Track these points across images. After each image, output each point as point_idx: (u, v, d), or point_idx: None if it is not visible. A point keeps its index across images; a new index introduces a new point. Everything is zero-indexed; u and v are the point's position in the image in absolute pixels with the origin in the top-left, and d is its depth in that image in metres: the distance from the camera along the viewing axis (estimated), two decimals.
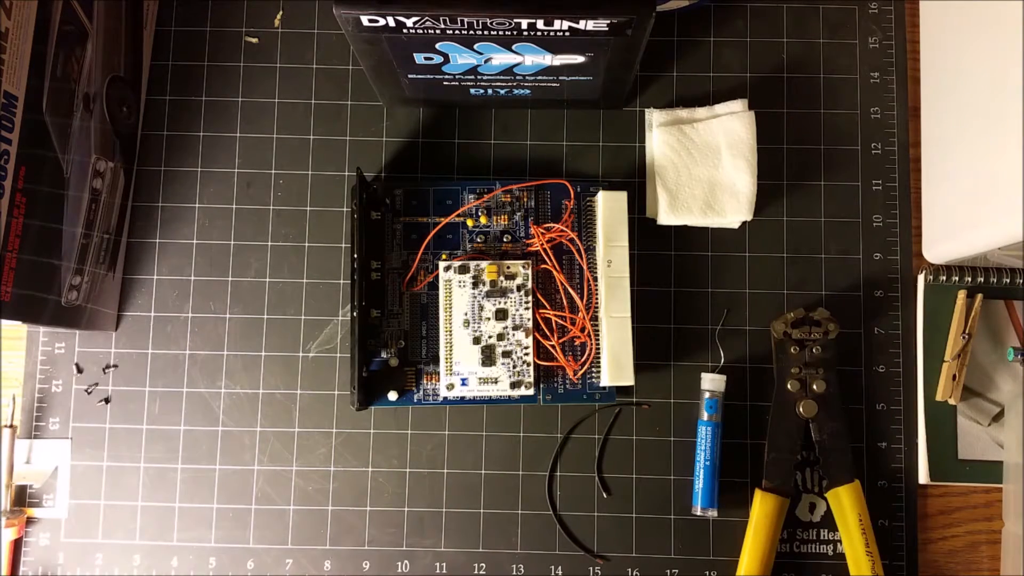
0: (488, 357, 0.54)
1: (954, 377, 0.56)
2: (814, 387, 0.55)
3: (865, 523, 0.53)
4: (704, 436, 0.55)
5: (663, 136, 0.58)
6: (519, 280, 0.55)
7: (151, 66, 0.60)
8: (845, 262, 0.58)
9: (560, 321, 0.56)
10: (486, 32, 0.46)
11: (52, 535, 0.56)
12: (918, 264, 0.59)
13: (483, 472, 0.57)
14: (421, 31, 0.46)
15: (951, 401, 0.56)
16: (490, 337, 0.54)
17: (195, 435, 0.57)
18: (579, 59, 0.50)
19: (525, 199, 0.58)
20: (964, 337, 0.56)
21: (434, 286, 0.56)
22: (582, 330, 0.55)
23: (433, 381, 0.56)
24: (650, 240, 0.59)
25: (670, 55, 0.60)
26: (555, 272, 0.56)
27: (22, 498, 0.57)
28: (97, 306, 0.56)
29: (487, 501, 0.57)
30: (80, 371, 0.58)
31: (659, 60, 0.60)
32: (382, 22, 0.45)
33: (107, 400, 0.58)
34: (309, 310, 0.58)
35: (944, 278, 0.57)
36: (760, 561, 0.53)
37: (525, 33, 0.46)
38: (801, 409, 0.55)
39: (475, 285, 0.55)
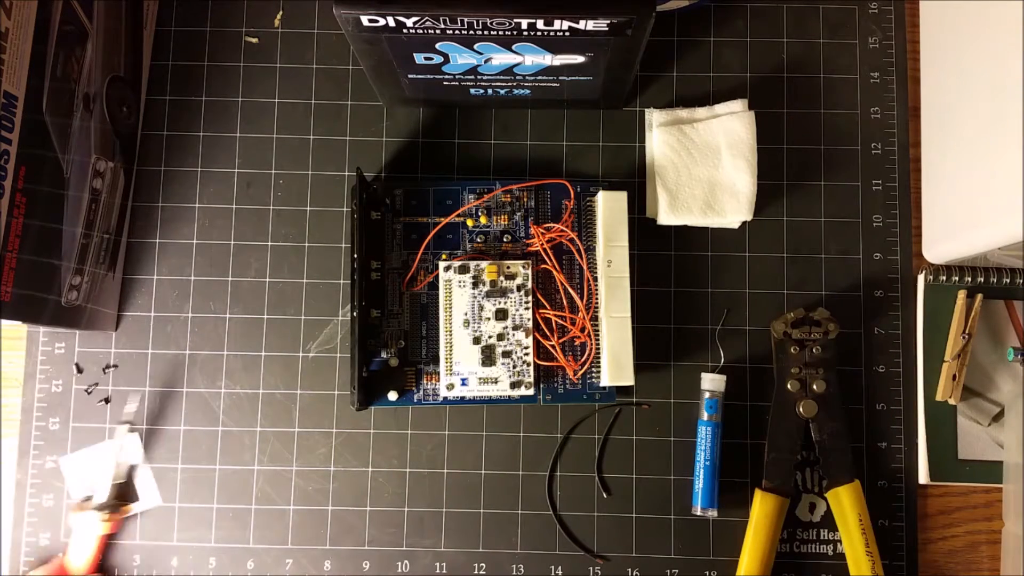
0: (488, 357, 0.54)
1: (954, 377, 0.56)
2: (814, 387, 0.55)
3: (865, 523, 0.53)
4: (704, 436, 0.55)
5: (663, 136, 0.58)
6: (519, 280, 0.55)
7: (151, 66, 0.60)
8: (845, 262, 0.58)
9: (560, 321, 0.56)
10: (486, 32, 0.46)
11: (52, 534, 0.56)
12: (918, 264, 0.59)
13: (483, 472, 0.57)
14: (421, 31, 0.46)
15: (951, 401, 0.56)
16: (490, 337, 0.54)
17: (195, 435, 0.57)
18: (579, 59, 0.50)
19: (525, 199, 0.58)
20: (964, 337, 0.56)
21: (434, 286, 0.56)
22: (582, 330, 0.55)
23: (433, 381, 0.56)
24: (650, 240, 0.59)
25: (670, 55, 0.60)
26: (555, 272, 0.56)
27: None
28: (97, 306, 0.56)
29: (487, 501, 0.57)
30: (80, 371, 0.58)
31: (659, 60, 0.60)
32: (382, 22, 0.45)
33: (107, 400, 0.58)
34: (309, 310, 0.58)
35: (944, 278, 0.57)
36: (760, 561, 0.53)
37: (525, 33, 0.46)
38: (801, 409, 0.55)
39: (475, 285, 0.55)
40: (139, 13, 0.59)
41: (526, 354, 0.55)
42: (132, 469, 0.56)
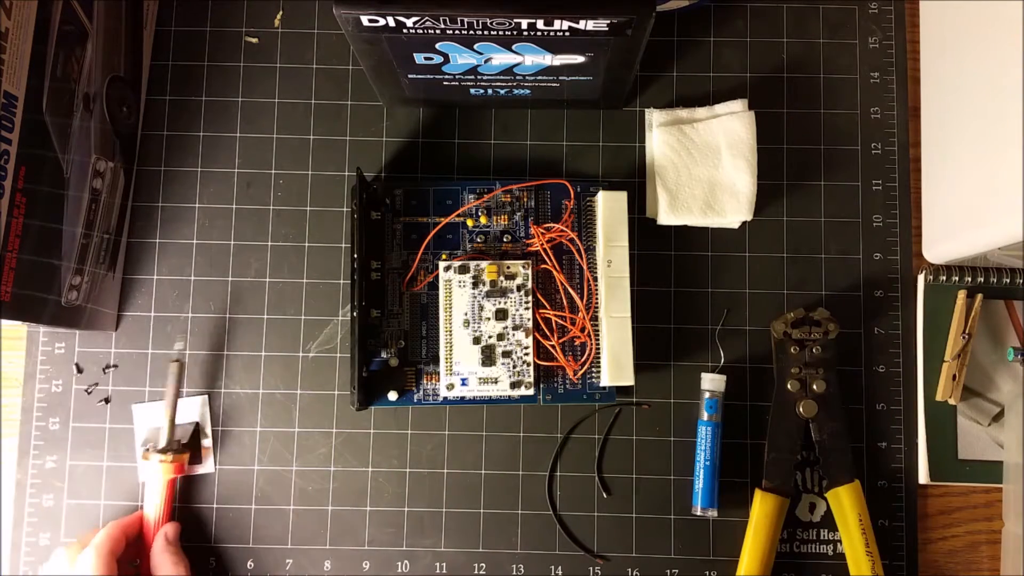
0: (488, 357, 0.54)
1: (954, 377, 0.56)
2: (814, 387, 0.55)
3: (865, 523, 0.53)
4: (704, 436, 0.55)
5: (663, 136, 0.58)
6: (519, 280, 0.55)
7: (151, 66, 0.60)
8: (845, 262, 0.58)
9: (560, 321, 0.56)
10: (486, 32, 0.46)
11: (52, 534, 0.56)
12: (918, 264, 0.59)
13: (483, 472, 0.57)
14: (421, 31, 0.46)
15: (951, 401, 0.56)
16: (490, 337, 0.54)
17: None
18: (579, 59, 0.50)
19: (525, 199, 0.58)
20: (964, 337, 0.56)
21: (434, 286, 0.56)
22: (582, 330, 0.55)
23: (433, 381, 0.56)
24: (650, 240, 0.59)
25: (670, 55, 0.60)
26: (555, 272, 0.56)
27: None
28: (97, 306, 0.56)
29: (487, 501, 0.57)
30: (80, 371, 0.58)
31: (659, 60, 0.60)
32: (382, 22, 0.45)
33: (107, 400, 0.58)
34: (309, 310, 0.58)
35: (944, 278, 0.57)
36: (760, 561, 0.53)
37: (525, 33, 0.46)
38: (801, 409, 0.55)
39: (475, 285, 0.55)
40: (139, 13, 0.59)
41: (526, 354, 0.55)
42: (197, 428, 0.57)
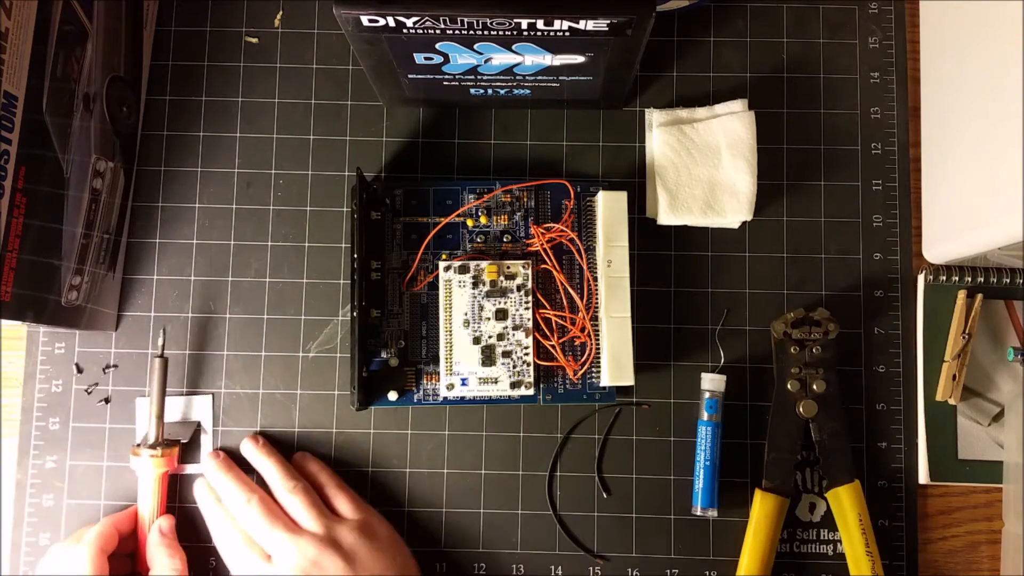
0: (488, 357, 0.54)
1: (954, 377, 0.56)
2: (814, 387, 0.55)
3: (865, 523, 0.53)
4: (704, 436, 0.55)
5: (663, 136, 0.58)
6: (519, 280, 0.55)
7: (151, 66, 0.60)
8: (845, 262, 0.58)
9: (560, 321, 0.56)
10: (486, 32, 0.46)
11: (52, 534, 0.56)
12: (918, 264, 0.59)
13: (483, 472, 0.57)
14: (421, 31, 0.46)
15: (951, 401, 0.56)
16: (490, 337, 0.54)
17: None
18: (579, 59, 0.50)
19: (525, 199, 0.58)
20: (964, 337, 0.56)
21: (434, 286, 0.56)
22: (582, 330, 0.55)
23: (433, 381, 0.56)
24: (650, 240, 0.59)
25: (670, 55, 0.60)
26: (555, 272, 0.56)
27: None
28: (97, 306, 0.56)
29: (487, 501, 0.57)
30: (80, 371, 0.58)
31: (659, 60, 0.60)
32: (382, 22, 0.45)
33: (107, 400, 0.58)
34: (309, 310, 0.58)
35: (944, 278, 0.57)
36: (760, 561, 0.53)
37: (525, 33, 0.46)
38: (801, 409, 0.55)
39: (475, 285, 0.55)
40: (139, 13, 0.59)
41: (526, 354, 0.55)
42: (198, 428, 0.57)
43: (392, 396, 0.56)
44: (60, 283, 0.52)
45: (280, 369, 0.58)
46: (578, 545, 0.56)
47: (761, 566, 0.53)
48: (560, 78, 0.53)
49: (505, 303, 0.55)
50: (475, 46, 0.48)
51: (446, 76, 0.53)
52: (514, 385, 0.54)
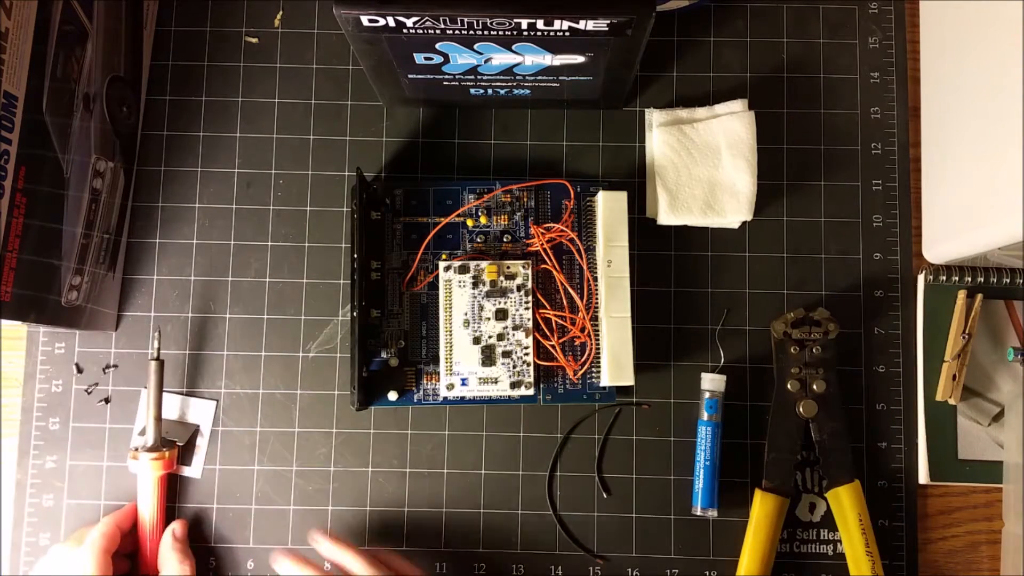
0: (488, 357, 0.54)
1: (954, 377, 0.56)
2: (814, 387, 0.55)
3: (865, 523, 0.53)
4: (704, 436, 0.55)
5: (663, 136, 0.58)
6: (519, 280, 0.55)
7: (151, 66, 0.60)
8: (845, 262, 0.58)
9: (560, 321, 0.56)
10: (486, 32, 0.46)
11: (52, 534, 0.56)
12: (918, 264, 0.59)
13: (483, 472, 0.57)
14: (421, 31, 0.46)
15: (951, 401, 0.56)
16: (490, 337, 0.54)
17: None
18: (579, 59, 0.50)
19: (525, 199, 0.58)
20: (964, 337, 0.56)
21: (434, 286, 0.56)
22: (582, 330, 0.55)
23: (433, 381, 0.56)
24: (650, 240, 0.59)
25: (670, 55, 0.60)
26: (555, 272, 0.56)
27: None
28: (97, 306, 0.56)
29: (487, 501, 0.57)
30: (80, 371, 0.58)
31: (659, 60, 0.60)
32: (382, 22, 0.45)
33: (107, 400, 0.58)
34: (309, 310, 0.58)
35: (944, 278, 0.57)
36: (760, 561, 0.53)
37: (525, 33, 0.46)
38: (801, 409, 0.55)
39: (475, 285, 0.55)
40: (139, 13, 0.59)
41: (526, 354, 0.55)
42: (195, 432, 0.57)
43: (392, 396, 0.56)
44: (60, 283, 0.52)
45: (280, 369, 0.58)
46: (578, 545, 0.56)
47: (761, 566, 0.53)
48: (560, 78, 0.53)
49: (505, 303, 0.55)
50: (475, 46, 0.48)
51: (446, 76, 0.53)
52: (514, 385, 0.54)
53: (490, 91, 0.56)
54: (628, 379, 0.53)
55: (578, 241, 0.56)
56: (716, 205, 0.57)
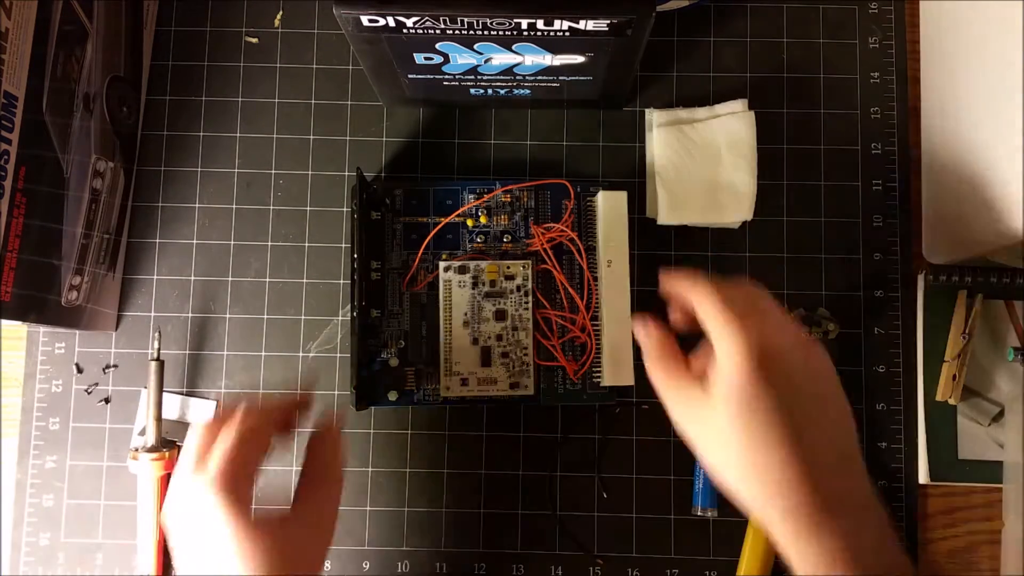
0: (488, 357, 0.54)
1: (954, 377, 0.56)
2: None
3: None
4: None
5: (663, 136, 0.58)
6: (519, 280, 0.55)
7: (151, 66, 0.60)
8: (845, 262, 0.58)
9: (560, 321, 0.56)
10: (486, 32, 0.46)
11: (52, 534, 0.56)
12: (918, 264, 0.59)
13: (483, 472, 0.57)
14: (421, 31, 0.46)
15: (951, 401, 0.56)
16: (490, 337, 0.54)
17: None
18: (579, 59, 0.50)
19: (525, 199, 0.58)
20: (964, 337, 0.56)
21: (434, 286, 0.56)
22: (582, 330, 0.55)
23: (433, 381, 0.56)
24: (650, 240, 0.59)
25: (670, 55, 0.60)
26: (555, 272, 0.56)
27: None
28: (97, 306, 0.56)
29: (487, 501, 0.57)
30: (80, 371, 0.58)
31: (659, 60, 0.60)
32: (382, 22, 0.45)
33: (107, 400, 0.58)
34: (309, 310, 0.58)
35: (944, 278, 0.57)
36: (760, 561, 0.53)
37: (525, 33, 0.46)
38: None
39: (475, 285, 0.55)
40: (139, 13, 0.59)
41: (526, 354, 0.55)
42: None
43: (392, 396, 0.56)
44: (60, 283, 0.52)
45: (280, 369, 0.58)
46: (578, 545, 0.56)
47: (761, 566, 0.53)
48: (560, 78, 0.53)
49: (505, 303, 0.55)
50: (475, 46, 0.48)
51: (446, 76, 0.53)
52: (514, 385, 0.54)
53: (490, 91, 0.56)
54: (628, 379, 0.53)
55: (578, 241, 0.56)
56: (716, 205, 0.57)
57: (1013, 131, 0.47)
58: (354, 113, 0.60)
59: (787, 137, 0.60)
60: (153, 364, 0.55)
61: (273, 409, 0.46)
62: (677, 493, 0.56)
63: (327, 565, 0.56)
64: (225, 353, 0.58)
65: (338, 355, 0.58)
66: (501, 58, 0.50)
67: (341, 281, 0.58)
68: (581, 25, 0.45)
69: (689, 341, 0.46)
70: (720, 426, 0.39)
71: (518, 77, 0.53)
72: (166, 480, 0.56)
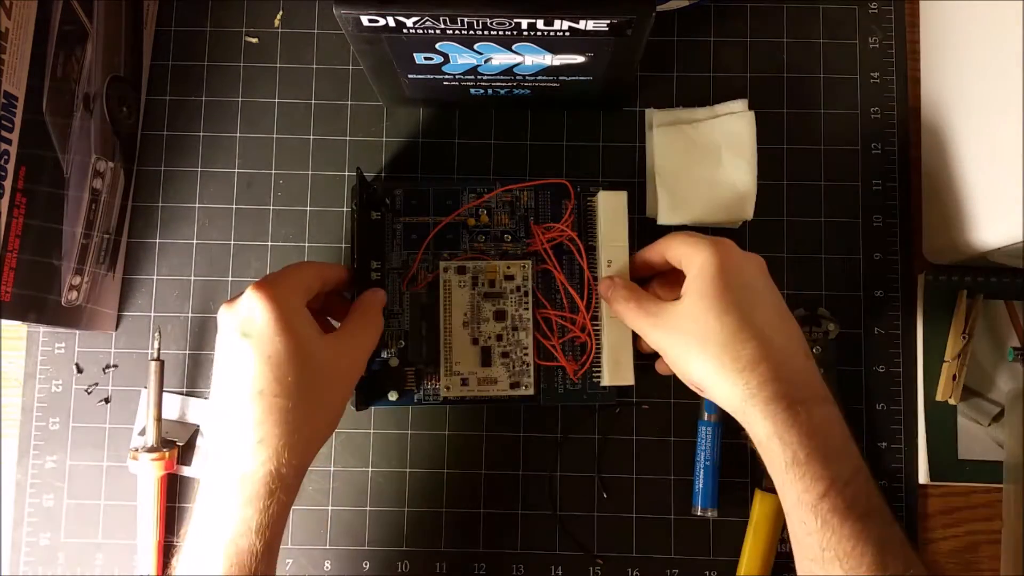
0: (488, 357, 0.54)
1: (954, 377, 0.56)
2: None
3: None
4: (704, 436, 0.55)
5: (663, 136, 0.58)
6: (519, 280, 0.55)
7: (151, 66, 0.60)
8: (845, 262, 0.58)
9: (560, 321, 0.56)
10: (486, 32, 0.46)
11: (52, 535, 0.56)
12: (918, 264, 0.59)
13: (483, 472, 0.57)
14: (421, 31, 0.46)
15: (951, 401, 0.56)
16: (490, 337, 0.54)
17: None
18: (579, 59, 0.50)
19: (525, 199, 0.58)
20: (964, 337, 0.56)
21: (434, 286, 0.56)
22: (582, 330, 0.55)
23: (433, 381, 0.56)
24: (650, 240, 0.58)
25: (670, 55, 0.60)
26: (555, 272, 0.56)
27: None
28: (97, 306, 0.56)
29: (487, 501, 0.57)
30: (80, 371, 0.58)
31: (659, 60, 0.60)
32: (382, 22, 0.45)
33: (107, 400, 0.58)
34: None
35: (944, 278, 0.57)
36: (760, 561, 0.53)
37: (525, 33, 0.46)
38: None
39: (475, 285, 0.55)
40: (139, 13, 0.59)
41: (526, 354, 0.55)
42: (195, 432, 0.57)
43: (392, 396, 0.56)
44: (60, 283, 0.52)
45: None
46: (578, 545, 0.56)
47: (761, 566, 0.53)
48: (560, 78, 0.53)
49: (505, 303, 0.55)
50: (475, 46, 0.48)
51: (446, 76, 0.53)
52: (514, 385, 0.54)
53: (490, 91, 0.56)
54: (628, 379, 0.53)
55: (578, 241, 0.56)
56: (716, 205, 0.57)
57: (1013, 131, 0.47)
58: (354, 113, 0.60)
59: (787, 137, 0.60)
60: (153, 364, 0.55)
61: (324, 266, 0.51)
62: (677, 493, 0.56)
63: (327, 565, 0.56)
64: None
65: None
66: (501, 58, 0.50)
67: None
68: (581, 25, 0.45)
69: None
70: (695, 320, 0.45)
71: (518, 77, 0.53)
72: (166, 480, 0.56)
